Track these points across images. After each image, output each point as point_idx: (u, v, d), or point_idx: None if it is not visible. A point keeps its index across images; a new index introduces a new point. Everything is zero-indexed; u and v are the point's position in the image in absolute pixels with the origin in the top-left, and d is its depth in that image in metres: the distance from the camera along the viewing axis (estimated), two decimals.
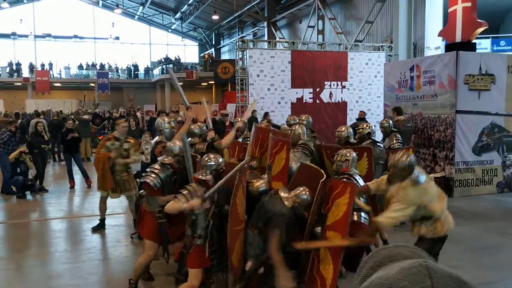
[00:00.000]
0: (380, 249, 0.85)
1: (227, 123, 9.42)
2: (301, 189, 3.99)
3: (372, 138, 6.37)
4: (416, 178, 4.03)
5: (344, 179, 4.45)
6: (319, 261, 3.97)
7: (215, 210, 4.02)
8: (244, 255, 4.14)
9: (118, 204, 8.99)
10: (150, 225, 4.63)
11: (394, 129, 7.53)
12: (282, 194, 3.99)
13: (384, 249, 0.85)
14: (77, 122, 14.05)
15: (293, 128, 5.89)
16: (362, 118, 11.56)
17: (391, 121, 7.74)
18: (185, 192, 4.03)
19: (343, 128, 6.24)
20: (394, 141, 7.18)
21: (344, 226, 3.85)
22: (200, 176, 4.08)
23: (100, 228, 6.95)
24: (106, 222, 7.28)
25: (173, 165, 4.57)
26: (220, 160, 4.20)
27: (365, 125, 6.67)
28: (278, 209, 3.87)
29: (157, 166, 4.63)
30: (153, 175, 4.52)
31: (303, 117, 6.91)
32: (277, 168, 4.72)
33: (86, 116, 16.34)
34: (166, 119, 6.00)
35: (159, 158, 4.92)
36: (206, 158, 4.16)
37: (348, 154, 4.75)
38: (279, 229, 3.82)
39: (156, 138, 5.67)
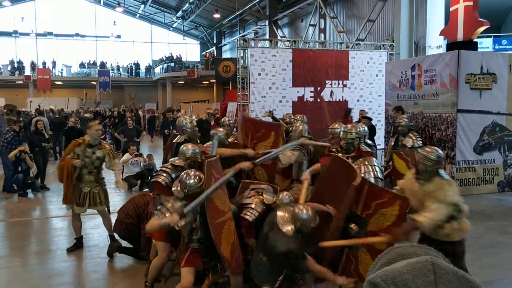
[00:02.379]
0: (394, 248, 0.86)
1: (212, 123, 9.24)
2: (301, 207, 3.79)
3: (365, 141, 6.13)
4: (445, 174, 3.91)
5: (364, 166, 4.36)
6: (357, 262, 3.95)
7: (199, 219, 3.99)
8: (253, 277, 4.09)
9: (119, 202, 9.02)
10: None
11: (411, 127, 7.67)
12: (282, 228, 3.76)
13: (398, 247, 0.86)
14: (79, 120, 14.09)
15: (295, 125, 5.86)
16: (365, 117, 11.21)
17: (406, 119, 7.70)
18: (162, 208, 4.00)
19: (336, 125, 5.93)
20: (414, 139, 7.30)
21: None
22: (177, 194, 4.08)
23: (77, 248, 6.05)
24: None
25: (184, 167, 4.46)
26: (201, 180, 4.00)
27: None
28: (283, 249, 3.70)
29: (168, 165, 4.60)
30: (164, 174, 4.50)
31: (298, 116, 6.83)
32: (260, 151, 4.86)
33: (88, 115, 16.37)
34: (188, 118, 5.58)
35: (170, 160, 4.86)
36: (185, 176, 4.03)
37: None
38: (295, 260, 3.73)
39: (178, 137, 5.37)
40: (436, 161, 3.85)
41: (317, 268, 3.75)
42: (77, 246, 6.07)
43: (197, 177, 4.00)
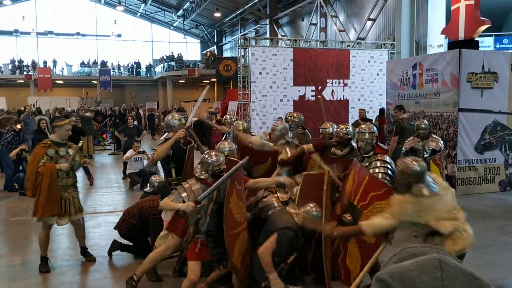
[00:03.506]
0: (406, 247, 0.86)
1: (214, 122, 9.24)
2: (311, 205, 3.91)
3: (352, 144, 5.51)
4: (421, 190, 3.51)
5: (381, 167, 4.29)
6: (346, 252, 3.98)
7: (213, 207, 4.01)
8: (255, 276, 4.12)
9: (120, 201, 9.03)
10: (176, 220, 4.48)
11: (431, 132, 7.07)
12: (291, 210, 3.91)
13: (410, 247, 0.86)
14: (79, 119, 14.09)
15: (274, 124, 5.79)
16: (364, 118, 11.08)
17: (426, 121, 7.13)
18: (181, 189, 4.03)
19: (327, 125, 5.90)
20: (440, 143, 6.79)
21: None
22: (198, 175, 4.09)
23: (46, 269, 5.31)
24: (109, 219, 7.27)
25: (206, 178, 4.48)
26: (221, 159, 4.16)
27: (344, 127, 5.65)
28: (284, 223, 3.80)
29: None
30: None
31: (295, 114, 6.86)
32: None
33: (88, 114, 16.36)
34: (177, 115, 5.45)
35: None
36: (206, 156, 4.15)
37: (371, 129, 4.51)
38: (280, 245, 3.78)
39: (166, 135, 5.35)
40: (411, 175, 3.51)
41: (266, 258, 3.84)
42: (46, 265, 5.33)
43: (218, 156, 4.14)
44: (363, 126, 4.67)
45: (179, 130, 5.02)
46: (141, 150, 10.27)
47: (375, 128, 4.63)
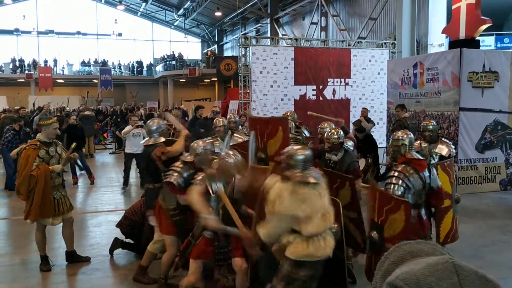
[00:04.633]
0: (401, 245, 0.86)
1: None
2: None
3: (345, 147, 5.40)
4: (301, 177, 3.26)
5: (396, 174, 4.18)
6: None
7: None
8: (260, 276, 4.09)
9: (121, 200, 9.04)
10: (167, 221, 4.59)
11: (440, 134, 6.30)
12: None
13: (405, 244, 0.86)
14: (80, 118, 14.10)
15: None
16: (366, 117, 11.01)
17: (434, 122, 6.36)
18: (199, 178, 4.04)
19: (325, 124, 5.86)
20: (449, 148, 5.95)
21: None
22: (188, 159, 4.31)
23: (47, 268, 5.35)
24: (110, 218, 7.27)
25: (195, 164, 4.45)
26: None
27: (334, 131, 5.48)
28: None
29: (179, 164, 4.56)
30: (175, 174, 4.44)
31: (288, 113, 6.89)
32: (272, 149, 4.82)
33: (88, 112, 16.36)
34: (159, 121, 5.25)
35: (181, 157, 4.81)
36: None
37: (404, 136, 4.33)
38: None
39: (146, 139, 5.13)
40: (295, 162, 3.30)
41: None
42: (46, 264, 5.33)
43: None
44: (399, 133, 4.47)
45: (183, 134, 5.03)
46: (140, 124, 9.91)
47: (411, 137, 4.42)
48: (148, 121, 5.41)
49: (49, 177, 5.05)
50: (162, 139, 5.03)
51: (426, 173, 4.21)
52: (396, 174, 4.20)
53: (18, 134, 9.93)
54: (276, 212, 3.21)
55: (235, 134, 6.80)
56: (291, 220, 3.23)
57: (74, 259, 5.51)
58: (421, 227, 4.25)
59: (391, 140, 4.54)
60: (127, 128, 9.82)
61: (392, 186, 4.15)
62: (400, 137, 4.33)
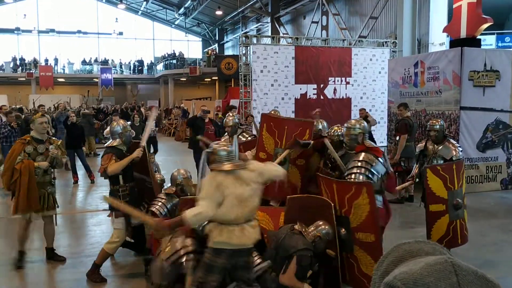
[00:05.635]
0: (401, 244, 0.85)
1: (207, 120, 9.02)
2: (321, 223, 3.87)
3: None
4: (218, 166, 3.44)
5: (359, 163, 4.23)
6: (358, 263, 3.96)
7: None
8: None
9: None
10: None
11: (447, 134, 5.92)
12: (301, 229, 3.84)
13: (404, 244, 0.84)
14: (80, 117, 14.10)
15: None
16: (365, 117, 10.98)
17: (442, 121, 5.99)
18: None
19: (335, 128, 5.64)
20: (453, 148, 5.55)
21: (373, 225, 3.85)
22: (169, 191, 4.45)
23: (21, 265, 5.37)
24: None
25: (178, 193, 4.64)
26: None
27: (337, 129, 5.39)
28: (301, 245, 3.72)
29: (162, 196, 4.73)
30: (159, 204, 4.63)
31: (272, 112, 6.91)
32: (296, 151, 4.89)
33: (87, 111, 16.37)
34: (122, 123, 5.17)
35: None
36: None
37: (360, 125, 4.45)
38: (302, 268, 3.69)
39: (110, 141, 5.03)
40: (216, 156, 3.51)
41: (297, 284, 3.72)
42: (21, 260, 5.36)
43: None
44: (352, 121, 4.59)
45: (137, 150, 4.90)
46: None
47: (365, 125, 4.55)
48: (113, 122, 5.40)
49: (33, 173, 5.06)
50: (116, 143, 4.95)
51: (382, 160, 4.31)
52: (358, 164, 4.25)
53: (15, 130, 9.96)
54: (199, 198, 3.38)
55: (243, 133, 6.90)
56: (209, 205, 3.29)
57: (51, 256, 5.52)
58: (387, 214, 4.32)
59: (345, 129, 4.58)
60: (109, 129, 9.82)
61: (353, 175, 4.20)
62: (357, 126, 4.44)
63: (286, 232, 3.88)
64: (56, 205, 5.52)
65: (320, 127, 5.54)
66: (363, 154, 4.30)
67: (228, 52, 37.20)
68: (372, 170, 4.21)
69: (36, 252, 6.03)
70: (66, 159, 5.55)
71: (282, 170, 3.79)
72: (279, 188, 4.71)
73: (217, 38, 39.28)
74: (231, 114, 6.68)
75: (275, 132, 5.16)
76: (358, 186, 3.89)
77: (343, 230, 3.97)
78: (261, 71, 13.03)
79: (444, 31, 11.29)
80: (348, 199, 3.89)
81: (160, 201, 4.64)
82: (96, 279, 4.87)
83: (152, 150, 11.49)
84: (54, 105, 20.25)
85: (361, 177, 4.17)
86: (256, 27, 30.72)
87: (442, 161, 5.43)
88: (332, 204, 3.99)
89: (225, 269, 3.50)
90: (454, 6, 10.02)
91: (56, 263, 5.49)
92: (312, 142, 5.14)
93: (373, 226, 3.85)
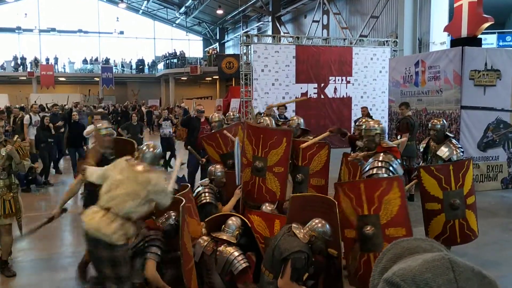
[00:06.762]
0: (399, 241, 0.86)
1: (202, 119, 8.83)
2: (316, 221, 3.77)
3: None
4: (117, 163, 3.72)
5: (379, 164, 4.19)
6: (366, 269, 3.94)
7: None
8: None
9: None
10: None
11: (449, 134, 5.76)
12: (296, 231, 3.75)
13: (402, 241, 0.86)
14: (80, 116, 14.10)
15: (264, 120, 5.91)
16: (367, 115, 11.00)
17: (444, 121, 5.87)
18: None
19: (294, 118, 5.91)
20: (454, 149, 5.39)
21: (405, 218, 3.86)
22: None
23: (3, 271, 5.11)
24: None
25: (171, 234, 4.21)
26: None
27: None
28: (295, 247, 3.62)
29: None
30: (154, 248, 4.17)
31: (265, 114, 6.90)
32: (273, 159, 4.83)
33: (100, 110, 16.36)
34: (105, 123, 4.94)
35: None
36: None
37: (378, 126, 4.41)
38: (297, 271, 3.61)
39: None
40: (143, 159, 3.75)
41: None
42: (3, 268, 5.10)
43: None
44: (371, 122, 4.57)
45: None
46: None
47: (384, 126, 4.54)
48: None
49: None
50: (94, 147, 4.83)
51: (399, 161, 4.35)
52: (379, 164, 4.21)
53: (13, 131, 9.99)
54: (89, 174, 3.87)
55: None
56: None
57: (2, 269, 5.13)
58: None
59: (363, 130, 4.57)
60: (89, 128, 9.74)
61: (375, 174, 4.16)
62: (375, 127, 4.41)
63: (282, 234, 3.83)
64: (18, 213, 5.17)
65: (297, 122, 5.75)
66: (382, 154, 4.28)
67: (229, 51, 37.23)
68: (391, 169, 4.18)
69: (38, 251, 6.05)
70: (28, 162, 5.13)
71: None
72: (258, 193, 4.92)
73: (218, 37, 39.31)
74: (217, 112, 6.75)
75: (253, 140, 5.12)
76: (389, 181, 3.88)
77: (369, 228, 3.90)
78: (262, 70, 13.05)
79: (445, 30, 11.28)
80: (378, 196, 3.87)
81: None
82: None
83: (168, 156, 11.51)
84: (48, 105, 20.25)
85: (385, 175, 4.14)
86: (257, 26, 30.72)
87: (441, 161, 5.32)
88: (336, 202, 3.97)
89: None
90: (455, 5, 10.02)
91: (59, 264, 5.49)
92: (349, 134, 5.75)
93: (405, 220, 3.87)
